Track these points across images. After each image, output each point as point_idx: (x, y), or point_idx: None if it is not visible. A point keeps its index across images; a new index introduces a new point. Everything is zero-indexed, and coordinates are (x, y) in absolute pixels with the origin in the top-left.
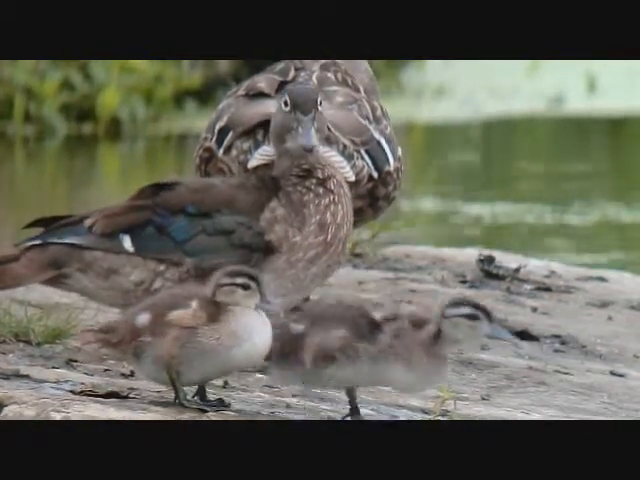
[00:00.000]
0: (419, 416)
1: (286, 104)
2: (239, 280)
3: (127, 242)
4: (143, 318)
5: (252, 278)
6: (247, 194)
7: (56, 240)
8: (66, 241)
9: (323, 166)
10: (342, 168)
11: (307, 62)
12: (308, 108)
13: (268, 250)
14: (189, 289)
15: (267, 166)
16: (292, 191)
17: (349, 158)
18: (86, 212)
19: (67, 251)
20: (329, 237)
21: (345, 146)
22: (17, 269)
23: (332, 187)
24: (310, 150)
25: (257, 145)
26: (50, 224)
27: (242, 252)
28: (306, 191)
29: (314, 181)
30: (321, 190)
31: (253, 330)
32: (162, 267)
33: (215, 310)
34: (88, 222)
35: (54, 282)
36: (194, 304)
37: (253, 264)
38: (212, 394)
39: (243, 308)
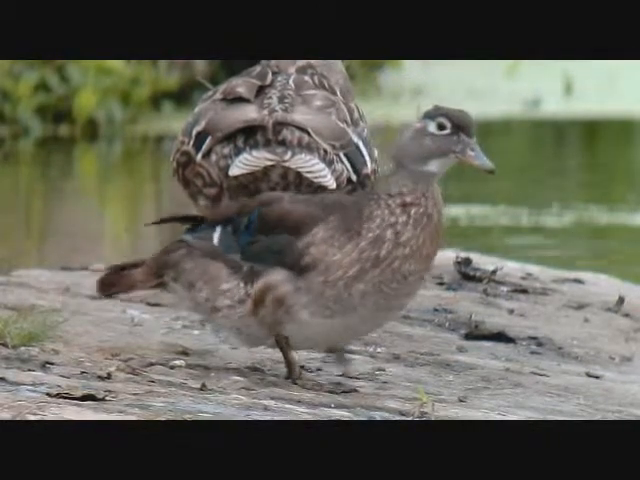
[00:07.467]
0: (397, 418)
1: (442, 127)
2: None
3: (216, 236)
4: None
5: None
6: (301, 212)
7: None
8: (183, 238)
9: (425, 200)
10: (324, 177)
11: (283, 66)
12: (473, 131)
13: (304, 270)
14: None
15: (250, 174)
16: (368, 205)
17: (330, 164)
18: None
19: (168, 259)
20: (382, 252)
21: (326, 152)
22: (135, 275)
23: (412, 213)
24: (494, 171)
25: (238, 151)
26: (180, 222)
27: (287, 269)
28: (385, 206)
29: (398, 202)
30: (398, 210)
31: None
32: (226, 286)
33: None
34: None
35: (163, 288)
36: None
37: (295, 281)
38: (189, 396)
39: None
